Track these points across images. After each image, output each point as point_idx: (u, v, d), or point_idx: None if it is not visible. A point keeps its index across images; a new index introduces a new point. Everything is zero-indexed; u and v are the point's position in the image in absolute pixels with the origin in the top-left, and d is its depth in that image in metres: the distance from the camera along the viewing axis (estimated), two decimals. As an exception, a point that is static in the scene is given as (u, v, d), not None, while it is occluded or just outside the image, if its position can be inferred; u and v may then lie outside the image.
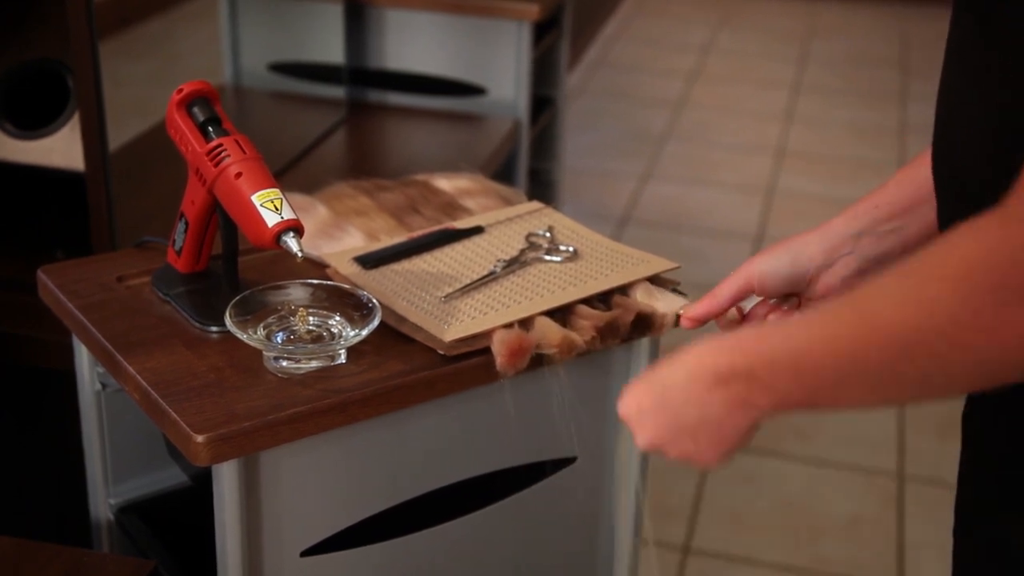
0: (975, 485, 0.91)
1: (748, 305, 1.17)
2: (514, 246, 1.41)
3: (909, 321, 0.73)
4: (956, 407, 0.95)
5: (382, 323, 1.22)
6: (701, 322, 1.18)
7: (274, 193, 1.20)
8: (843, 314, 0.79)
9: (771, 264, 1.10)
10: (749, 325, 1.16)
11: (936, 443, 2.69)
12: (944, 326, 0.71)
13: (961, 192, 0.87)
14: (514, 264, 1.36)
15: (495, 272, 1.34)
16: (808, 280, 1.10)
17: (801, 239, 1.10)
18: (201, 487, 1.21)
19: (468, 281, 1.33)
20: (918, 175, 1.03)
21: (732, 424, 0.87)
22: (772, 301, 1.14)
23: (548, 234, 1.42)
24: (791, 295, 1.13)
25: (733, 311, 1.15)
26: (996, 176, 0.78)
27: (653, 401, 0.91)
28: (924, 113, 4.56)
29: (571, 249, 1.39)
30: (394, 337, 1.25)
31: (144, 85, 2.04)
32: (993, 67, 0.80)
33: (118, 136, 1.74)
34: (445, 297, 1.29)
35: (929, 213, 1.00)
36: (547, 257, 1.38)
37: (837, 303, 0.79)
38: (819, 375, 0.80)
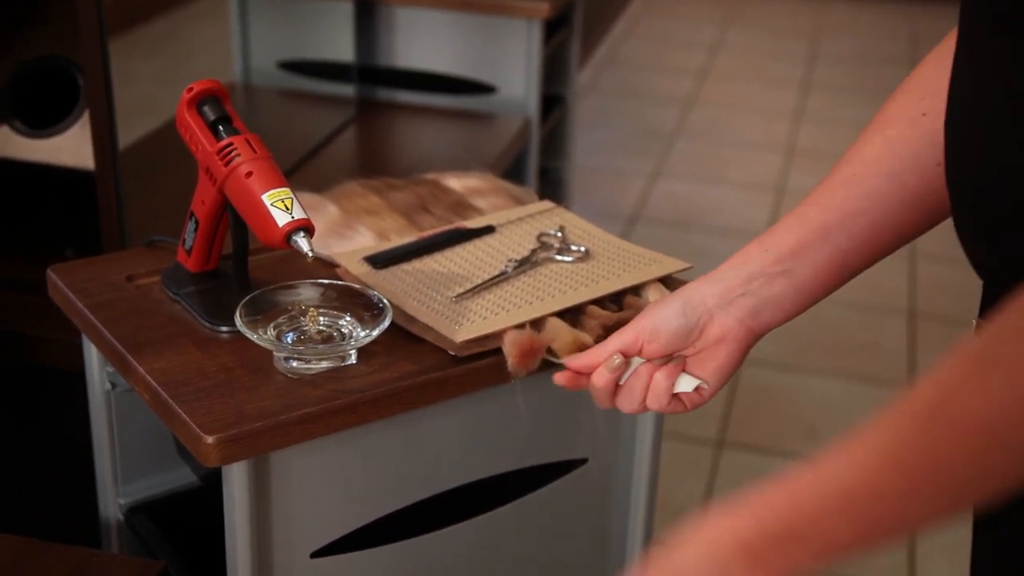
0: None
1: (630, 370, 1.04)
2: (525, 246, 1.40)
3: (994, 405, 0.66)
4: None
5: (392, 323, 1.21)
6: (583, 374, 1.05)
7: (285, 192, 1.19)
8: (901, 417, 0.70)
9: (662, 313, 1.02)
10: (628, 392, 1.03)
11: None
12: None
13: (973, 193, 0.86)
14: (525, 264, 1.35)
15: (506, 272, 1.34)
16: (702, 328, 1.02)
17: (691, 286, 1.04)
18: (211, 488, 1.20)
19: (479, 281, 1.32)
20: (806, 214, 1.01)
21: None
22: (656, 361, 1.03)
23: (559, 234, 1.42)
24: (676, 354, 1.03)
25: (617, 357, 1.03)
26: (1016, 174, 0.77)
27: None
28: (934, 112, 4.54)
29: (582, 249, 1.38)
30: (404, 337, 1.24)
31: (153, 84, 2.03)
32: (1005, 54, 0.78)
33: (128, 135, 1.74)
34: (456, 297, 1.29)
35: (818, 254, 0.99)
36: (558, 257, 1.37)
37: (883, 413, 0.71)
38: (881, 500, 0.70)
